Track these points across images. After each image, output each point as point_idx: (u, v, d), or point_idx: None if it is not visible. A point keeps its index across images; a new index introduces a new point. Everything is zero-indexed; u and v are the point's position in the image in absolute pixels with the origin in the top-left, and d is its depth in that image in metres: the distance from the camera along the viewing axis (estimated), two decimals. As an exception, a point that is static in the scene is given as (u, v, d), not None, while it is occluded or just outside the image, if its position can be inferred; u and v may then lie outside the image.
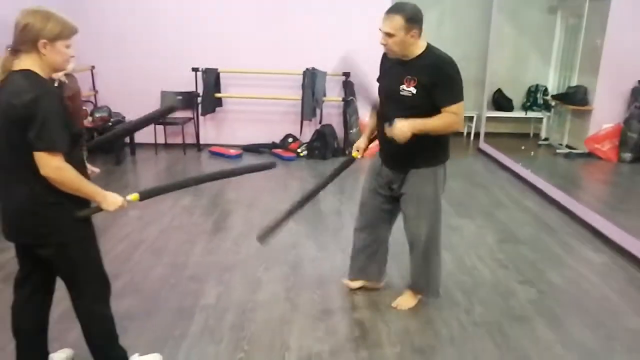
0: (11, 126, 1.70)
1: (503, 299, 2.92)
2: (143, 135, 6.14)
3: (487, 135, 6.74)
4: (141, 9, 6.03)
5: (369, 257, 2.86)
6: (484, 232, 3.94)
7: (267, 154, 6.15)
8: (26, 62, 1.74)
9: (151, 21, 6.05)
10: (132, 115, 6.07)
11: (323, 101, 6.17)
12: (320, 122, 6.27)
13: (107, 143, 2.34)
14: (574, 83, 6.46)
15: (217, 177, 2.45)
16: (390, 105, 2.48)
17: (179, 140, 6.30)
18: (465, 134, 7.69)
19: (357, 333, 2.58)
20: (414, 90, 2.37)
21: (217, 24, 6.06)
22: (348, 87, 6.20)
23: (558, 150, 6.35)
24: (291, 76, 6.14)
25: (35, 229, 1.84)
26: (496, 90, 7.21)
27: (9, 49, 1.77)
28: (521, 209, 4.49)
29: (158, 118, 2.19)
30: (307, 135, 6.29)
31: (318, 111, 6.20)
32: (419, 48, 2.39)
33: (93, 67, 6.12)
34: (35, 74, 1.74)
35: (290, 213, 2.68)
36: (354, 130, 6.17)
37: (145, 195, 2.03)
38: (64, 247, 1.88)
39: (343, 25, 6.13)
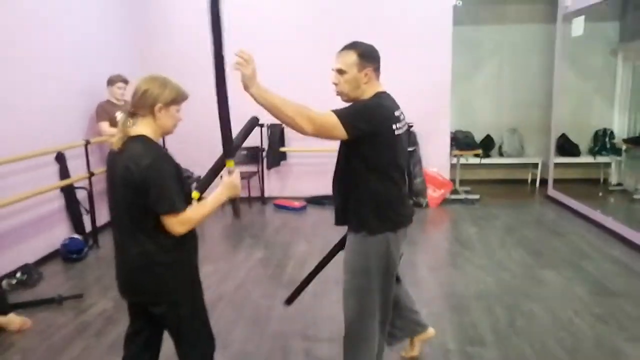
0: (128, 189, 1.78)
1: (612, 359, 2.71)
2: (210, 190, 6.33)
3: (553, 181, 6.53)
4: (206, 69, 6.35)
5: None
6: (573, 284, 3.72)
7: (328, 205, 6.15)
8: (141, 126, 1.86)
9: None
10: (199, 170, 6.29)
11: (386, 152, 6.20)
12: (383, 173, 6.27)
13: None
14: (646, 125, 6.24)
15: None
16: None
17: (244, 194, 6.44)
18: (529, 180, 7.50)
19: (459, 393, 2.44)
20: None
21: (279, 79, 6.26)
22: (411, 137, 6.21)
23: (635, 196, 6.06)
24: (353, 128, 6.23)
25: (148, 288, 1.89)
26: (560, 136, 7.04)
27: (126, 111, 1.90)
28: (608, 259, 4.23)
29: (249, 132, 2.29)
30: (370, 186, 6.28)
31: (381, 162, 6.21)
32: (369, 93, 2.12)
33: (164, 126, 6.42)
34: (150, 139, 1.84)
35: (310, 278, 2.74)
36: (418, 180, 6.12)
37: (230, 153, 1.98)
38: (175, 305, 1.91)
39: (404, 76, 6.22)
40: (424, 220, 5.68)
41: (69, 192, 4.67)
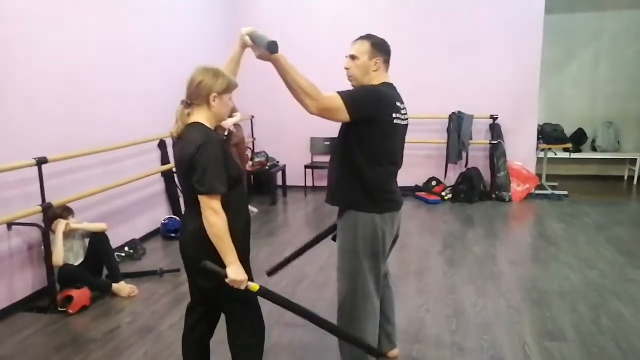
0: (185, 171, 1.93)
1: None
2: (294, 179, 6.61)
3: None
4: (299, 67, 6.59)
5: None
6: (669, 286, 3.53)
7: (410, 197, 6.19)
8: (197, 115, 2.00)
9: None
10: (284, 159, 6.58)
11: (469, 144, 6.12)
12: (466, 166, 6.20)
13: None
14: None
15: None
16: None
17: (326, 184, 6.62)
18: (626, 177, 7.05)
19: (536, 385, 2.45)
20: None
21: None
22: (495, 129, 6.09)
23: None
24: (436, 120, 6.21)
25: (196, 263, 1.95)
26: (662, 130, 6.56)
27: (183, 102, 2.04)
28: None
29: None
30: (451, 179, 6.26)
31: (464, 154, 6.15)
32: (376, 81, 2.23)
33: (253, 116, 6.79)
34: (203, 125, 1.97)
35: (296, 256, 2.90)
36: (502, 173, 5.99)
37: (264, 290, 2.02)
38: (221, 284, 1.93)
39: (489, 67, 6.11)
40: (507, 215, 5.57)
41: (168, 177, 5.13)
